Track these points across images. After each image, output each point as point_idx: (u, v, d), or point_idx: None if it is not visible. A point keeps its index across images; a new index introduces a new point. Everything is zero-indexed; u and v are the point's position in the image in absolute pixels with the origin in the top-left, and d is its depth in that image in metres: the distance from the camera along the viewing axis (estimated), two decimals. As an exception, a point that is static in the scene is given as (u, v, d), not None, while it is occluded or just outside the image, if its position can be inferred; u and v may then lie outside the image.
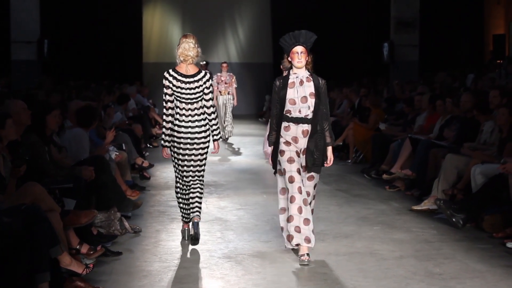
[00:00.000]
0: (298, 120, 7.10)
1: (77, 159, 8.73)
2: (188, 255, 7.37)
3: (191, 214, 7.66)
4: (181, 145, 7.55)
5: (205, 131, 7.58)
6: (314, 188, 7.32)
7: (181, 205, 7.89)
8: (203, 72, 7.64)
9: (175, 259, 7.21)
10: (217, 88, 17.73)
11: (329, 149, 7.26)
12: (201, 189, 7.80)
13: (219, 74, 18.13)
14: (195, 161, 7.63)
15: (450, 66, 20.92)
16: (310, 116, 7.10)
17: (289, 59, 7.21)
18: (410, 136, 11.18)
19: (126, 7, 24.55)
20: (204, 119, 7.60)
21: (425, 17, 23.50)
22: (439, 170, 9.59)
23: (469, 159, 9.23)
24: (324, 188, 11.00)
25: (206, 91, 7.57)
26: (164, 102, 7.60)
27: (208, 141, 7.66)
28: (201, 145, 7.58)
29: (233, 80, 18.07)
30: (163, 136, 7.68)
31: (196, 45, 7.56)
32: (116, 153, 9.92)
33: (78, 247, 6.83)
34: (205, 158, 7.74)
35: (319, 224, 8.44)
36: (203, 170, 7.81)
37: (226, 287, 6.41)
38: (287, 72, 7.44)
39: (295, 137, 7.14)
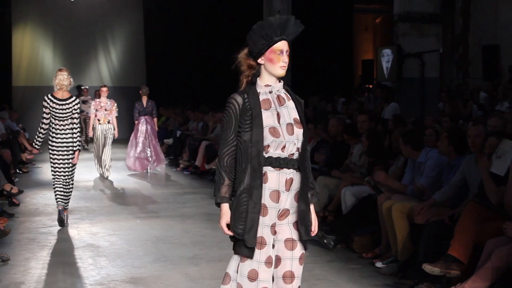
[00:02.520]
0: (280, 163, 4.33)
1: None
2: (59, 283, 7.19)
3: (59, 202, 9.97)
4: (56, 150, 9.87)
5: (72, 140, 9.90)
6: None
7: (57, 193, 9.97)
8: (74, 97, 9.99)
9: (45, 288, 7.04)
10: (95, 115, 15.26)
11: (312, 208, 4.51)
12: (72, 184, 10.17)
13: (97, 100, 15.64)
14: (67, 161, 9.89)
15: (322, 90, 21.40)
16: (296, 156, 4.36)
17: (261, 60, 4.45)
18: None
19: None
20: (71, 132, 9.88)
21: (296, 41, 23.90)
22: (311, 192, 9.72)
23: (339, 181, 9.44)
24: (198, 212, 11.03)
25: (74, 111, 9.90)
26: (42, 118, 9.88)
27: (75, 147, 9.94)
28: (71, 150, 9.90)
29: (113, 107, 15.33)
30: (37, 141, 9.99)
31: (69, 76, 9.92)
32: (-17, 180, 9.63)
33: None
34: (74, 161, 10.00)
35: (193, 248, 8.45)
36: (74, 169, 10.09)
37: (98, 315, 6.31)
38: (246, 83, 4.53)
39: (276, 192, 4.33)
